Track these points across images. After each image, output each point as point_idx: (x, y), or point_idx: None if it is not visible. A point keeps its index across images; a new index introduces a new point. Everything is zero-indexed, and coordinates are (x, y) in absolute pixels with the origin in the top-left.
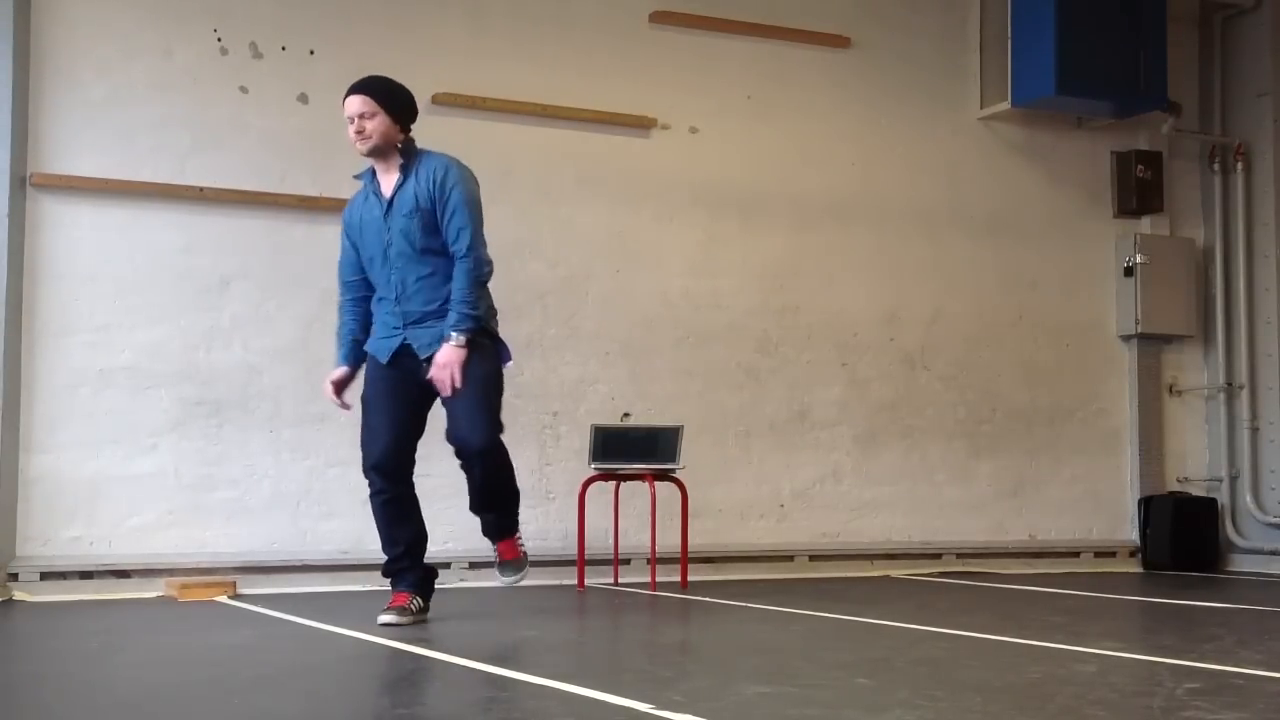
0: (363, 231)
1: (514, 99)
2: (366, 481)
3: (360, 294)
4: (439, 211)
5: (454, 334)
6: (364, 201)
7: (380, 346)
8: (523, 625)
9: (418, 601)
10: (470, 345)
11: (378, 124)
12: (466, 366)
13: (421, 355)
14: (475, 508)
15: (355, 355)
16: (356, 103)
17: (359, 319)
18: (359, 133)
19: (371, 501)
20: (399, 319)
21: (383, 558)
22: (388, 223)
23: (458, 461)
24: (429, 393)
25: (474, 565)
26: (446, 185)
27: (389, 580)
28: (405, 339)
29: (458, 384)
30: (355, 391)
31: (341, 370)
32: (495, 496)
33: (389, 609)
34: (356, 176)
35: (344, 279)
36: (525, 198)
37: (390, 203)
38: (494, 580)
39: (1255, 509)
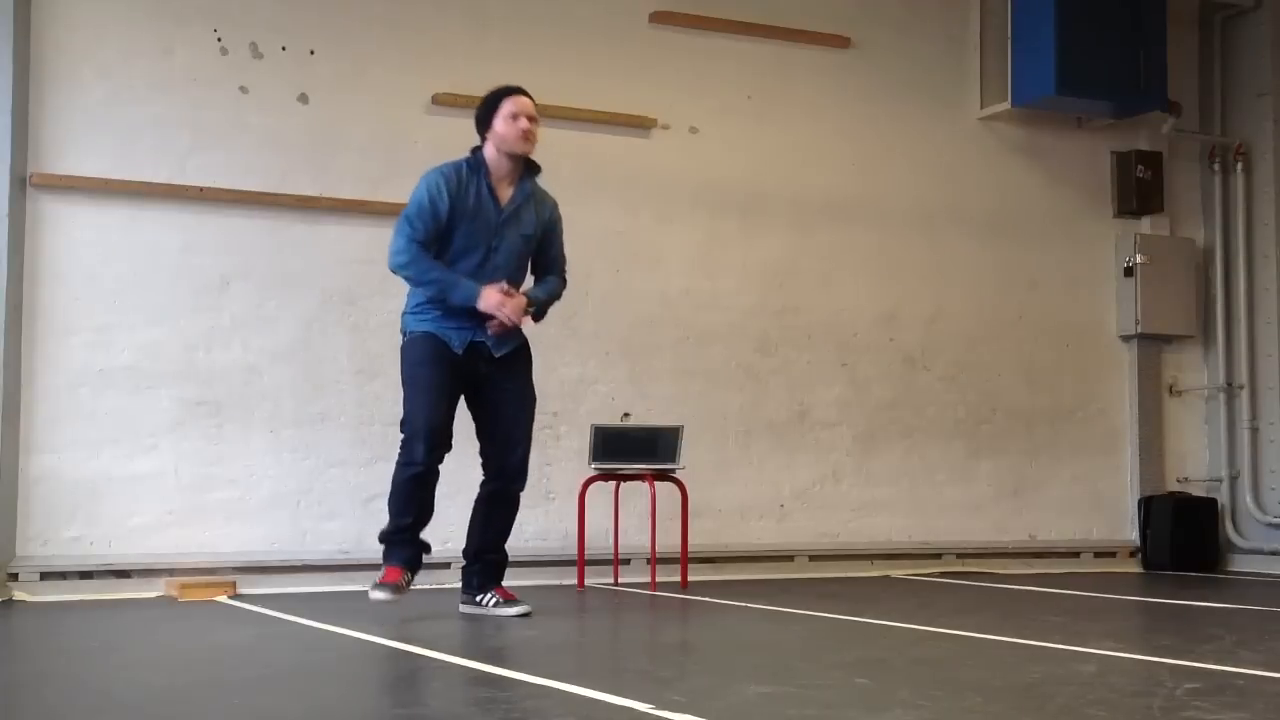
0: (474, 218)
1: None
2: (405, 453)
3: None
4: (547, 238)
5: (535, 298)
6: (475, 192)
7: (454, 337)
8: (523, 625)
9: (408, 577)
10: (529, 366)
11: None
12: (527, 387)
13: (496, 353)
14: (489, 548)
15: None
16: (532, 105)
17: None
18: (529, 134)
19: (401, 471)
20: (475, 316)
21: (381, 557)
22: (501, 228)
23: (462, 477)
24: (470, 387)
25: None
26: (556, 218)
27: (383, 548)
28: (480, 336)
29: (511, 324)
30: None
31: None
32: (509, 528)
33: (382, 584)
34: (465, 161)
35: (428, 251)
36: None
37: (506, 213)
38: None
39: (1255, 509)
